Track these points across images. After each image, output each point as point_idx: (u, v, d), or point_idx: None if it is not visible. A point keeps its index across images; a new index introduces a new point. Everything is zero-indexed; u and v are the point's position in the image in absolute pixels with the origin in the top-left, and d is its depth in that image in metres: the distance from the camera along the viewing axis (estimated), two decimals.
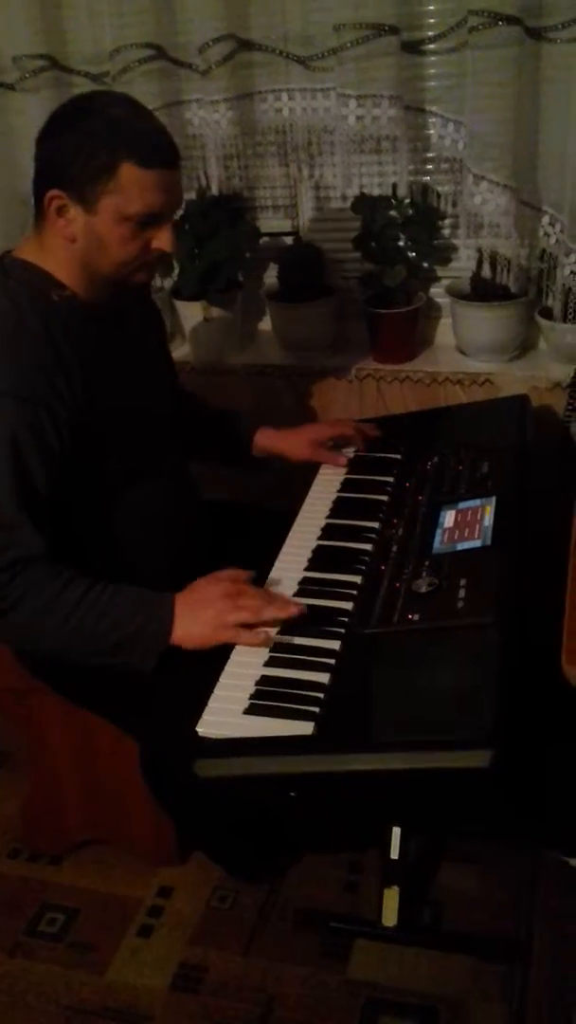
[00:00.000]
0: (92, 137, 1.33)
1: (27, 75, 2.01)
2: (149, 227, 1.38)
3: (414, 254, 2.05)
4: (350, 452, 1.83)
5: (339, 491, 1.73)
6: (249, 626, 1.35)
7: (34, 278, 1.42)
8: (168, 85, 1.98)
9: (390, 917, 1.61)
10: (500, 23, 1.66)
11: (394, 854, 1.62)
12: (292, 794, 1.22)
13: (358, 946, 1.63)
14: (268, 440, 1.82)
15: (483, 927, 1.63)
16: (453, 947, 1.61)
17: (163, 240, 1.40)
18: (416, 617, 1.31)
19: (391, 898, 1.61)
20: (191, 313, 2.19)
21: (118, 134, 1.33)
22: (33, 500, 1.35)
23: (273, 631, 1.36)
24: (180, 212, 1.98)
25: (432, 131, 1.93)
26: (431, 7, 1.83)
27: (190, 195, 2.12)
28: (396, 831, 1.62)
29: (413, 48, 1.84)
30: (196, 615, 1.36)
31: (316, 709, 1.21)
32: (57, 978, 1.64)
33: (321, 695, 1.24)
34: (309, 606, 1.41)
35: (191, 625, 1.36)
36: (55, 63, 2.02)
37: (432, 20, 1.83)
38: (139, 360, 1.58)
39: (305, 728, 1.19)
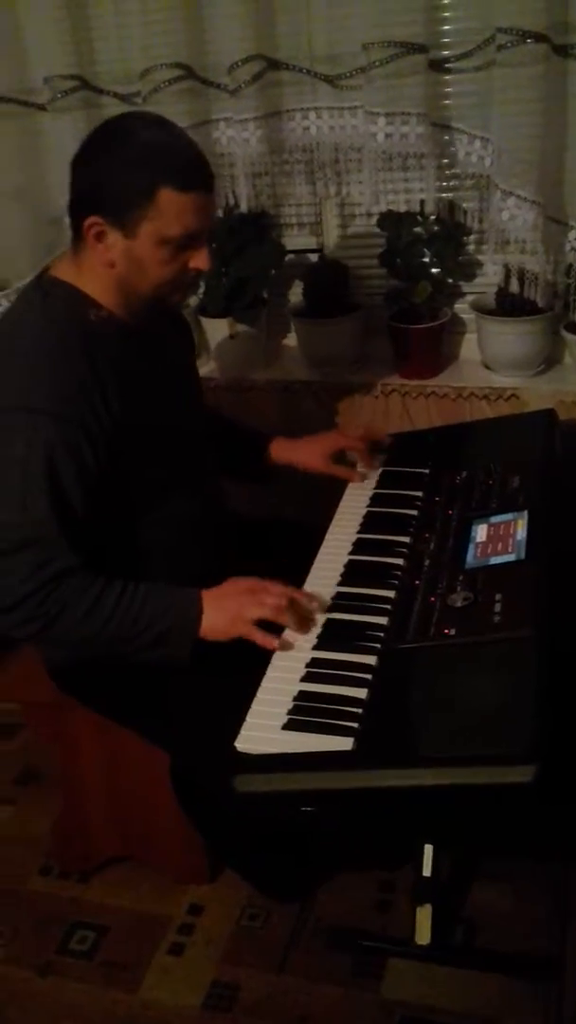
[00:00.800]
0: (129, 163, 1.34)
1: (58, 96, 2.04)
2: (187, 248, 1.39)
3: (439, 270, 2.05)
4: (374, 466, 1.82)
5: (368, 505, 1.73)
6: (270, 628, 1.38)
7: (71, 298, 1.43)
8: (197, 104, 1.99)
9: (424, 936, 1.60)
10: (528, 41, 1.68)
11: (427, 872, 1.61)
12: (308, 808, 1.21)
13: (391, 965, 1.62)
14: (282, 450, 1.83)
15: (516, 945, 1.62)
16: (487, 966, 1.59)
17: (200, 260, 1.41)
18: (452, 631, 1.30)
19: (424, 916, 1.60)
20: (217, 330, 2.21)
21: (155, 159, 1.33)
22: (70, 516, 1.37)
23: (295, 640, 1.39)
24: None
25: (457, 148, 1.94)
26: (457, 25, 1.84)
27: (216, 213, 2.13)
28: (429, 848, 1.60)
29: (439, 66, 1.85)
30: (219, 608, 1.41)
31: (355, 724, 1.21)
32: (90, 997, 1.63)
33: (359, 710, 1.23)
34: (343, 621, 1.41)
35: (213, 618, 1.41)
36: (85, 83, 2.04)
37: (458, 38, 1.84)
38: (172, 377, 1.59)
39: (344, 744, 1.18)
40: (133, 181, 1.33)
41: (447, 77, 1.87)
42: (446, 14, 1.84)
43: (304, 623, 1.41)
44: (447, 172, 2.00)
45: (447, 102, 1.91)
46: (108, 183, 1.34)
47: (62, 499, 1.36)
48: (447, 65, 1.86)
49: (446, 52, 1.86)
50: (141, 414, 1.46)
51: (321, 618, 1.43)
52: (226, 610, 1.40)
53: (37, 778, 2.14)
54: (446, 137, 1.93)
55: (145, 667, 1.45)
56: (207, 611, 1.41)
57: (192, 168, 1.37)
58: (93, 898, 1.82)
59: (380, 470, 1.82)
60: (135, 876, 1.84)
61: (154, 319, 1.50)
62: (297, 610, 1.41)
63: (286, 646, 1.38)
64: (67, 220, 1.43)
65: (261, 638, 1.38)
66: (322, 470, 1.80)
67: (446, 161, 1.97)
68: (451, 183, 2.02)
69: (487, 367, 2.12)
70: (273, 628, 1.40)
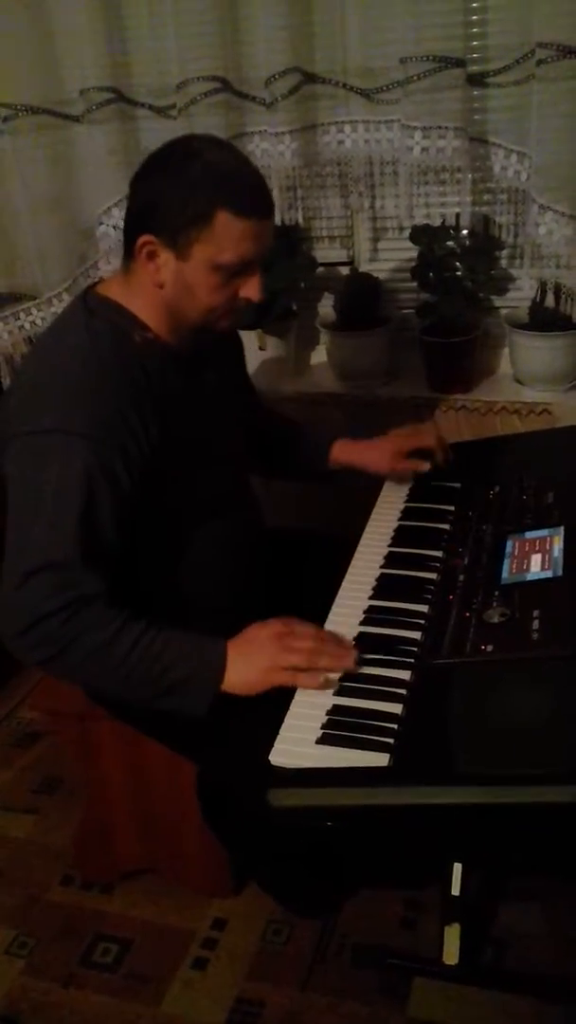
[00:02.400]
0: (190, 183, 1.31)
1: (93, 107, 2.05)
2: (239, 275, 1.37)
3: (471, 284, 2.05)
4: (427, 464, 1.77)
5: (400, 519, 1.71)
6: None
7: (117, 317, 1.41)
8: (232, 117, 2.00)
9: (452, 955, 1.58)
10: (568, 56, 1.67)
11: (455, 891, 1.59)
12: (341, 824, 1.20)
13: (417, 984, 1.60)
14: (346, 452, 1.77)
15: (546, 966, 1.60)
16: (515, 987, 1.57)
17: (251, 289, 1.39)
18: (490, 648, 1.29)
19: (452, 936, 1.58)
20: (247, 342, 2.19)
21: (217, 182, 1.31)
22: (97, 541, 1.34)
23: (333, 675, 1.32)
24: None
25: (493, 162, 1.94)
26: (496, 40, 1.84)
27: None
28: (457, 867, 1.59)
29: (477, 80, 1.86)
30: (248, 660, 1.33)
31: (391, 740, 1.19)
32: (112, 1010, 1.62)
33: (395, 726, 1.22)
34: (376, 635, 1.40)
35: (243, 671, 1.33)
36: (120, 95, 2.05)
37: (497, 53, 1.84)
38: (214, 402, 1.56)
39: (380, 759, 1.17)
40: (192, 201, 1.30)
41: (485, 91, 1.87)
42: (485, 29, 1.84)
43: (340, 661, 1.33)
44: (480, 186, 2.00)
45: (483, 116, 1.91)
46: (166, 201, 1.32)
47: (93, 523, 1.33)
48: (486, 80, 1.86)
49: (485, 66, 1.86)
50: (180, 439, 1.44)
51: (353, 632, 1.42)
52: (255, 663, 1.32)
53: (58, 787, 2.13)
54: (482, 151, 1.93)
55: (153, 709, 1.38)
56: (234, 664, 1.33)
57: (254, 194, 1.35)
58: (116, 910, 1.81)
59: (411, 483, 1.81)
60: (158, 888, 1.83)
61: (199, 346, 1.48)
62: (328, 650, 1.34)
63: (328, 684, 1.32)
64: (99, 231, 1.43)
65: (307, 682, 1.30)
66: (391, 469, 1.74)
67: (479, 175, 1.97)
68: (485, 197, 2.02)
69: (519, 381, 2.12)
70: None
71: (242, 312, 1.45)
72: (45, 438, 1.33)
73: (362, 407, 2.17)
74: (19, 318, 2.27)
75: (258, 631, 1.36)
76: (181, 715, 1.35)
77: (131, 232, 1.37)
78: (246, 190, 1.34)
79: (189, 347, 1.46)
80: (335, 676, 1.32)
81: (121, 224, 1.54)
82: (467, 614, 1.38)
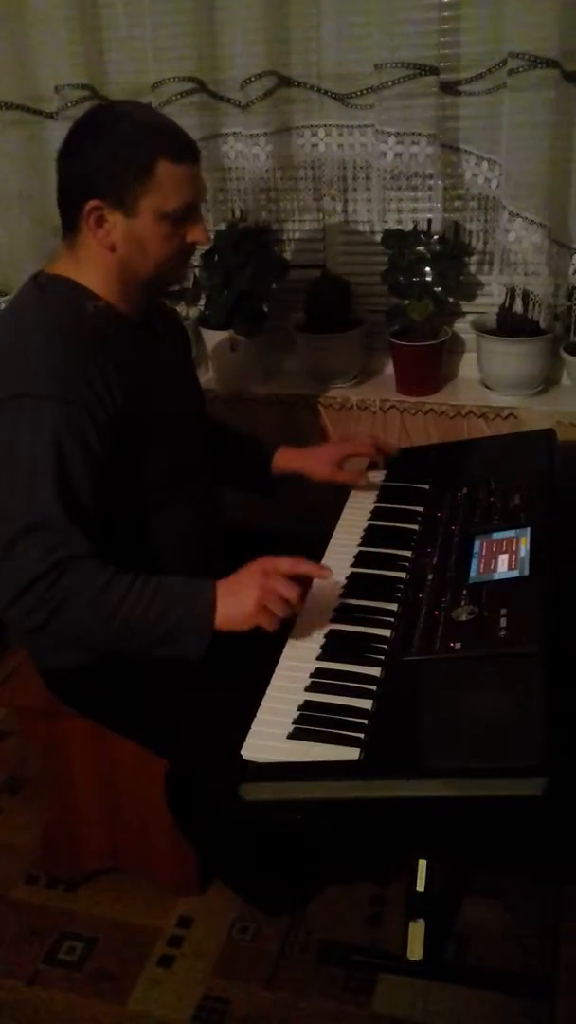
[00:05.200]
0: (126, 141, 1.37)
1: (68, 104, 2.05)
2: (184, 222, 1.43)
3: (440, 289, 2.08)
4: (375, 475, 1.83)
5: (369, 519, 1.73)
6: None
7: (68, 290, 1.45)
8: (207, 118, 2.01)
9: (416, 951, 1.59)
10: (539, 66, 1.71)
11: (420, 887, 1.60)
12: (311, 818, 1.21)
13: (383, 980, 1.61)
14: (288, 459, 1.82)
15: (508, 961, 1.62)
16: (479, 982, 1.59)
17: (197, 232, 1.45)
18: (458, 645, 1.31)
19: (416, 931, 1.60)
20: (218, 342, 2.21)
21: (149, 134, 1.38)
22: (77, 501, 1.36)
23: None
24: (211, 243, 2.02)
25: (464, 169, 1.97)
26: (469, 49, 1.87)
27: (220, 227, 2.15)
28: (423, 863, 1.60)
29: (450, 88, 1.88)
30: (237, 598, 1.36)
31: (361, 735, 1.21)
32: (78, 1008, 1.61)
33: (365, 721, 1.23)
34: (347, 632, 1.41)
35: (231, 606, 1.35)
36: (95, 93, 2.06)
37: (470, 61, 1.87)
38: (173, 374, 1.60)
39: (351, 754, 1.18)
40: (132, 158, 1.36)
41: (457, 99, 1.90)
42: (459, 38, 1.87)
43: (319, 570, 1.39)
44: (451, 192, 2.02)
45: (455, 124, 1.93)
46: (106, 165, 1.37)
47: (69, 484, 1.35)
48: (458, 88, 1.88)
49: (457, 74, 1.89)
50: (142, 403, 1.46)
51: (324, 629, 1.43)
52: (243, 600, 1.34)
53: (23, 786, 2.12)
54: (453, 158, 1.96)
55: (144, 672, 1.42)
56: (223, 601, 1.35)
57: (184, 140, 1.42)
58: (81, 908, 1.80)
59: (381, 485, 1.83)
60: (124, 886, 1.82)
61: (151, 313, 1.52)
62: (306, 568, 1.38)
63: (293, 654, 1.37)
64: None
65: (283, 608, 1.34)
66: (328, 478, 1.79)
67: (451, 182, 2.00)
68: (456, 203, 2.05)
69: (486, 386, 2.14)
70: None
71: (190, 258, 1.52)
72: (12, 404, 1.35)
73: (332, 409, 2.18)
74: None
75: (245, 569, 1.39)
76: (180, 660, 1.36)
77: (71, 205, 1.41)
78: (175, 137, 1.41)
79: (141, 310, 1.51)
80: (301, 657, 1.36)
81: None
82: (436, 612, 1.41)
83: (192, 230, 1.45)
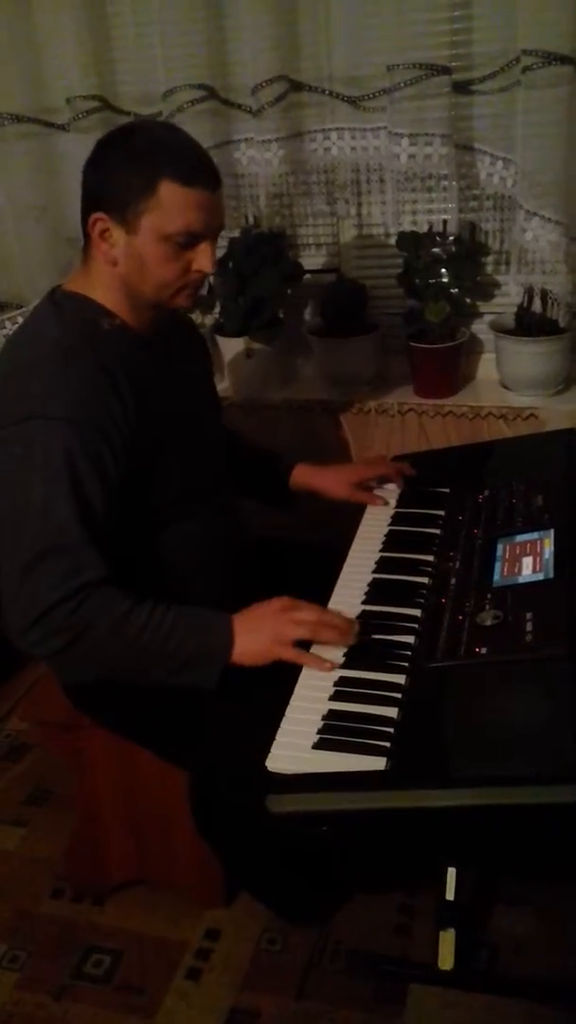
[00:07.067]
0: (133, 157, 1.35)
1: (79, 116, 2.05)
2: (189, 248, 1.39)
3: (457, 290, 2.06)
4: (389, 492, 1.82)
5: (390, 524, 1.72)
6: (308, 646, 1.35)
7: (83, 308, 1.43)
8: (219, 125, 2.01)
9: (447, 960, 1.57)
10: (553, 63, 1.69)
11: (450, 895, 1.58)
12: (338, 829, 1.19)
13: (413, 990, 1.59)
14: (306, 476, 1.81)
15: (540, 970, 1.59)
16: (510, 991, 1.57)
17: (202, 261, 1.40)
18: (484, 650, 1.29)
19: (447, 941, 1.58)
20: (233, 349, 2.21)
21: (158, 152, 1.35)
22: (93, 523, 1.35)
23: (338, 660, 1.35)
24: (224, 250, 2.01)
25: (479, 168, 1.95)
26: (482, 48, 1.85)
27: (234, 233, 2.14)
28: (452, 872, 1.58)
29: (463, 87, 1.87)
30: (253, 631, 1.36)
31: (387, 744, 1.19)
32: (106, 1022, 1.60)
33: (391, 729, 1.22)
34: (370, 639, 1.39)
35: (249, 642, 1.36)
36: (107, 104, 2.06)
37: (482, 60, 1.86)
38: (190, 389, 1.59)
39: (377, 763, 1.17)
40: (136, 173, 1.34)
41: (471, 98, 1.89)
42: (471, 36, 1.85)
43: (344, 635, 1.37)
44: (467, 192, 2.01)
45: (470, 123, 1.92)
46: (113, 178, 1.36)
47: (84, 505, 1.34)
48: (471, 87, 1.87)
49: (470, 74, 1.87)
50: (157, 422, 1.45)
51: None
52: (260, 633, 1.35)
53: (48, 799, 2.11)
54: (467, 158, 1.94)
55: (166, 686, 1.42)
56: (240, 636, 1.35)
57: (196, 164, 1.37)
58: (108, 922, 1.79)
59: (400, 489, 1.81)
60: (150, 899, 1.81)
61: (165, 328, 1.50)
62: (334, 623, 1.38)
63: (331, 664, 1.35)
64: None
65: (312, 662, 1.34)
66: (346, 497, 1.78)
67: (465, 182, 1.98)
68: (471, 203, 2.03)
69: (505, 387, 2.12)
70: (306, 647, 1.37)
71: (199, 287, 1.47)
72: (26, 427, 1.34)
73: (350, 414, 2.17)
74: (4, 326, 2.26)
75: (262, 606, 1.39)
76: (192, 690, 1.36)
77: (84, 217, 1.41)
78: (187, 160, 1.37)
79: (152, 329, 1.48)
80: (339, 653, 1.35)
81: None
82: (460, 617, 1.39)
83: (198, 258, 1.40)
